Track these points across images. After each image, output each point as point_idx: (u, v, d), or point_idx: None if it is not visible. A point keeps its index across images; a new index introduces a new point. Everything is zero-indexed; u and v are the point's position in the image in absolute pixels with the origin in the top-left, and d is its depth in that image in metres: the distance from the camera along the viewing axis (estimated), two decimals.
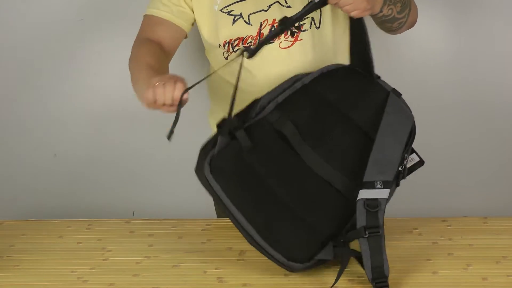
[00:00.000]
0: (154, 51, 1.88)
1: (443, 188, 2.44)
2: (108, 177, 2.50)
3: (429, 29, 2.34)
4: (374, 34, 1.91)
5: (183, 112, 2.41)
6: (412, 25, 1.98)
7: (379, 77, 1.81)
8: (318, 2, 1.73)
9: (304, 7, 1.74)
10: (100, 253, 1.82)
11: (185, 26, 1.95)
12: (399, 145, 1.71)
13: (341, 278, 1.65)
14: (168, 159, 2.48)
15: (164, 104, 1.63)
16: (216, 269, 1.72)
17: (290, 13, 1.83)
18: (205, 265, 1.74)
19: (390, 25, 1.91)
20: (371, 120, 1.73)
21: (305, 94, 1.73)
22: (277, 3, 1.88)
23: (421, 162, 1.77)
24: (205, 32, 1.95)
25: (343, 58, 1.89)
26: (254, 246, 1.68)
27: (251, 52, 1.69)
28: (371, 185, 1.66)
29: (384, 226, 1.87)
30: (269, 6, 1.88)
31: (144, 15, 1.98)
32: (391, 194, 1.71)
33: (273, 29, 1.87)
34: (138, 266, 1.76)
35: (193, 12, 1.94)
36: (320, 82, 1.75)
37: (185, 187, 2.48)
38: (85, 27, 2.39)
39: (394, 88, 1.79)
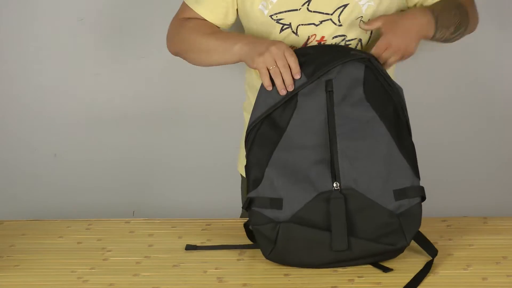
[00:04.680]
0: (206, 23, 1.89)
1: (443, 188, 2.44)
2: (108, 177, 2.49)
3: None
4: None
5: (179, 113, 2.42)
6: (469, 32, 1.97)
7: None
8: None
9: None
10: (100, 253, 1.82)
11: (225, 25, 1.92)
12: None
13: (341, 278, 1.66)
14: (168, 159, 2.48)
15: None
16: (216, 269, 1.72)
17: (341, 31, 1.83)
18: (205, 265, 1.74)
19: (442, 41, 1.90)
20: None
21: None
22: (330, 21, 1.83)
23: None
24: (250, 30, 1.92)
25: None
26: None
27: None
28: None
29: None
30: (321, 22, 1.83)
31: (184, 2, 1.94)
32: None
33: (321, 43, 1.84)
34: (138, 266, 1.76)
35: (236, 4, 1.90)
36: None
37: (185, 187, 2.49)
38: (85, 27, 2.39)
39: None
